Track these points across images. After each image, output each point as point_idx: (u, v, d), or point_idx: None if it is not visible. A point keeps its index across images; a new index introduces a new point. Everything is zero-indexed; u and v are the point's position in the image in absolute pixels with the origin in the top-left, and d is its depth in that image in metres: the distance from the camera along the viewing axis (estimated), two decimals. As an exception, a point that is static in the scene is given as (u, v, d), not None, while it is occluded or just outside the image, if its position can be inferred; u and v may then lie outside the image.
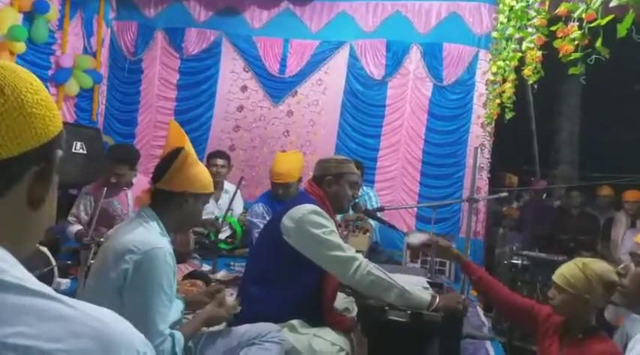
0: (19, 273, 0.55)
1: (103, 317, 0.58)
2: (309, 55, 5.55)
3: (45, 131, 0.62)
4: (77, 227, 3.28)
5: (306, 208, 2.15)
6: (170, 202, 1.77)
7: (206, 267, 3.49)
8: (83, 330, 0.54)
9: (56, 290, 2.41)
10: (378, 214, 3.09)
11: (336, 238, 2.12)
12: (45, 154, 0.62)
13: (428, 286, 2.31)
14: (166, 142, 1.90)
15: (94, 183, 3.42)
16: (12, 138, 0.58)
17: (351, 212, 3.35)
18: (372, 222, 3.89)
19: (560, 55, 2.16)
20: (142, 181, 3.58)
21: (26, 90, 0.61)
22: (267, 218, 3.38)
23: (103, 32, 5.66)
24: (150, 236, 1.66)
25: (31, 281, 0.55)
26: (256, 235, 3.34)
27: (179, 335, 1.67)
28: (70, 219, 3.33)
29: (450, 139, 5.28)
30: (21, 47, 4.48)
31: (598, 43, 1.82)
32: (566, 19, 2.19)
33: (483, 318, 3.07)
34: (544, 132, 8.41)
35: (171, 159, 1.77)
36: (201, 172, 1.84)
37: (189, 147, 1.82)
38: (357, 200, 2.54)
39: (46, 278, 2.47)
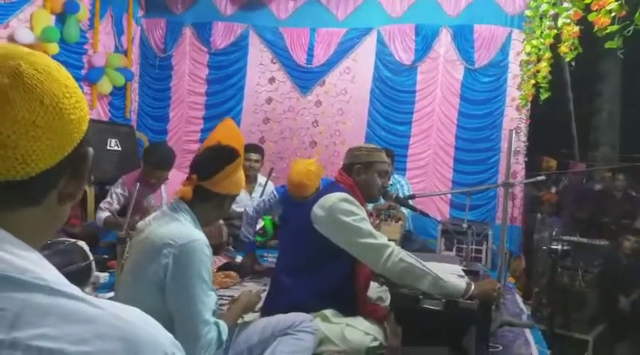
0: (49, 275, 0.55)
1: (130, 317, 0.56)
2: (336, 43, 5.50)
3: (79, 133, 0.61)
4: (106, 214, 3.34)
5: (336, 196, 2.13)
6: (210, 201, 1.79)
7: (239, 259, 3.52)
8: (109, 332, 0.53)
9: (95, 283, 2.47)
10: (410, 202, 3.03)
11: (367, 226, 2.09)
12: (78, 154, 0.61)
13: (463, 274, 2.26)
14: (212, 135, 1.88)
15: (130, 175, 3.48)
16: (51, 149, 0.57)
17: (382, 200, 3.30)
18: (405, 211, 3.83)
19: (596, 28, 2.05)
20: (176, 175, 3.63)
21: (63, 95, 0.58)
22: (267, 205, 3.40)
23: (132, 30, 5.75)
24: (186, 229, 1.68)
25: (59, 282, 0.55)
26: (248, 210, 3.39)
27: (224, 324, 1.70)
28: (103, 205, 3.39)
29: (484, 123, 5.15)
30: (54, 48, 4.59)
31: (638, 14, 1.72)
32: (603, -10, 2.07)
33: (522, 306, 2.99)
34: (583, 113, 8.12)
35: (223, 161, 1.75)
36: (241, 175, 1.87)
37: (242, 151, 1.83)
38: (387, 188, 2.49)
39: (85, 272, 2.53)
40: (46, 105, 0.56)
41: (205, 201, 1.78)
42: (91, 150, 0.65)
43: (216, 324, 1.66)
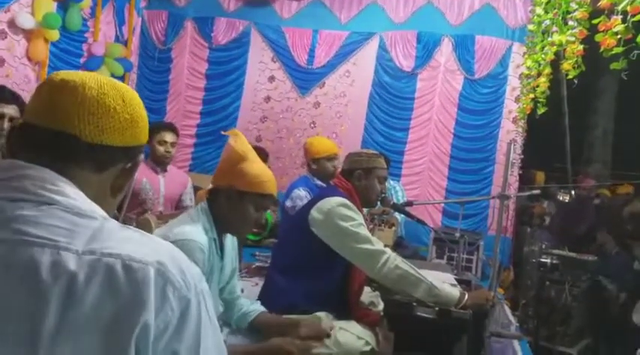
0: (112, 221, 0.76)
1: (171, 247, 0.78)
2: (338, 46, 5.52)
3: (140, 139, 0.82)
4: None
5: (335, 201, 2.14)
6: (218, 198, 1.75)
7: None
8: (159, 249, 0.74)
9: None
10: (406, 209, 3.04)
11: (364, 231, 2.10)
12: (134, 155, 0.82)
13: (456, 283, 2.28)
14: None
15: None
16: (120, 134, 0.78)
17: (377, 205, 3.30)
18: (398, 217, 3.85)
19: (602, 49, 2.08)
20: (174, 171, 3.61)
21: (139, 107, 0.82)
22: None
23: (134, 21, 5.72)
24: (189, 228, 1.66)
25: (115, 222, 0.77)
26: None
27: None
28: None
29: (480, 134, 5.20)
30: (55, 35, 4.56)
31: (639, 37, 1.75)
32: (609, 12, 2.11)
33: (511, 317, 3.01)
34: (577, 129, 8.20)
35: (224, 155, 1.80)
36: (251, 169, 1.73)
37: (239, 144, 1.76)
38: (384, 194, 2.50)
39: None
40: (125, 103, 0.79)
41: (215, 200, 1.75)
42: (141, 156, 0.86)
43: None
